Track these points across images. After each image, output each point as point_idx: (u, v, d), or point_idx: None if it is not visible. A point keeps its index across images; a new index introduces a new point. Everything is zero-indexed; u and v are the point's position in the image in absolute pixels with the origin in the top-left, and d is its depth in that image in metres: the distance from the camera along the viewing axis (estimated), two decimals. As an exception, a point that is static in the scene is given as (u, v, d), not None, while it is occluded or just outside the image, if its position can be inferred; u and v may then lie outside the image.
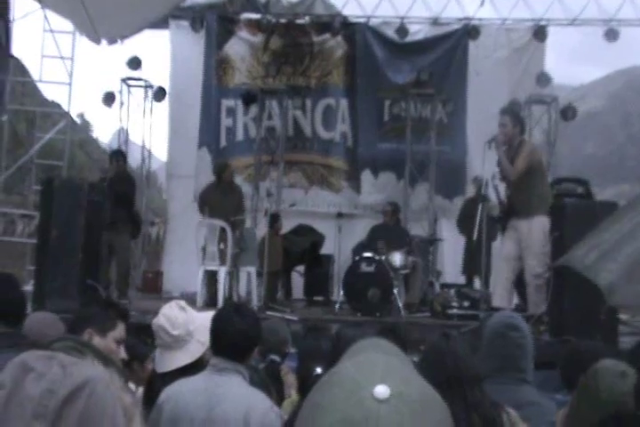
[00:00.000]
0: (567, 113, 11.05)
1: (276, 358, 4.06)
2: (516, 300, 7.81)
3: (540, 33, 11.21)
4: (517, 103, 10.85)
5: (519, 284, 7.22)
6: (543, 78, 11.04)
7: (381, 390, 0.85)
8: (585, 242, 3.82)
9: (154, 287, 10.72)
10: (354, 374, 0.89)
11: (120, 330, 2.59)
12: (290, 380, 3.85)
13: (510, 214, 6.94)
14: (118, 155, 9.37)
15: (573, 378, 3.11)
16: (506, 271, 6.93)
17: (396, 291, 8.17)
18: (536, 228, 6.65)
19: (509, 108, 7.23)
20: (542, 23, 11.26)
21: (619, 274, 3.67)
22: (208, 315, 2.85)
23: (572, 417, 2.46)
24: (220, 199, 8.67)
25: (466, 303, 8.45)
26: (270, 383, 3.34)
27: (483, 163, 6.95)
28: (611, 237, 3.65)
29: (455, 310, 8.28)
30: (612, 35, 11.03)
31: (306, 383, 3.24)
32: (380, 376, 0.88)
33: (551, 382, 5.07)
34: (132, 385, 3.23)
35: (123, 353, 2.62)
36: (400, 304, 8.17)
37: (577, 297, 6.04)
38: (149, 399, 2.84)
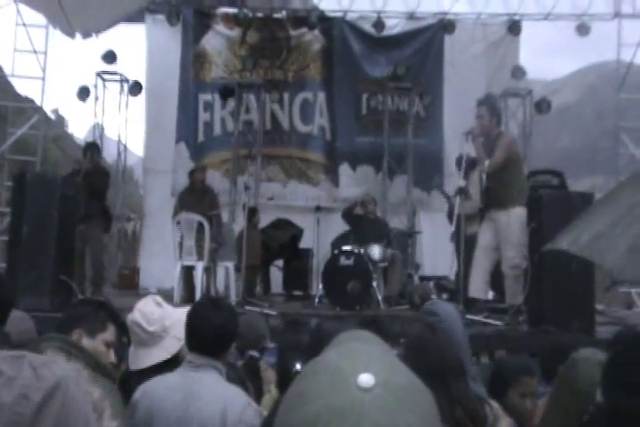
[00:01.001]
0: (542, 106, 11.13)
1: (254, 353, 4.02)
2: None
3: (514, 27, 11.34)
4: (493, 96, 10.88)
5: (494, 275, 7.24)
6: (518, 72, 11.11)
7: (366, 379, 0.85)
8: (571, 228, 3.84)
9: (130, 284, 10.62)
10: (338, 363, 0.89)
11: (110, 332, 2.54)
12: (269, 376, 3.82)
13: (489, 205, 6.96)
14: (92, 148, 9.25)
15: (553, 370, 3.12)
16: (483, 262, 6.95)
17: (375, 284, 8.17)
18: (514, 219, 6.67)
19: (486, 99, 7.21)
20: (516, 18, 11.39)
21: (621, 251, 3.70)
22: (184, 310, 2.80)
23: (551, 407, 2.46)
24: (194, 202, 8.62)
25: (445, 295, 8.48)
26: (248, 380, 3.30)
27: (461, 155, 6.98)
28: (602, 218, 3.67)
29: (434, 303, 8.27)
30: (583, 29, 11.20)
31: (285, 378, 3.22)
32: (364, 365, 0.87)
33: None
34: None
35: (112, 357, 2.57)
36: (379, 297, 8.17)
37: (555, 287, 6.08)
38: (123, 398, 2.79)
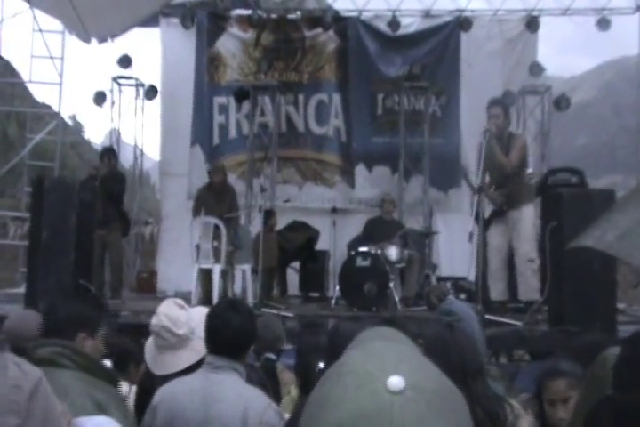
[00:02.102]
0: (560, 103, 11.03)
1: (271, 355, 4.01)
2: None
3: (532, 24, 11.18)
4: (511, 94, 10.83)
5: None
6: (536, 68, 11.02)
7: (395, 382, 0.80)
8: (597, 224, 3.78)
9: (148, 287, 10.65)
10: (364, 365, 0.84)
11: (104, 328, 2.52)
12: (285, 377, 3.80)
13: (500, 206, 6.94)
14: (109, 152, 9.31)
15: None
16: (497, 263, 6.92)
17: (392, 285, 8.13)
18: (525, 215, 6.72)
19: (500, 99, 7.20)
20: (534, 14, 11.23)
21: None
22: (204, 310, 2.79)
23: (581, 405, 2.41)
24: (213, 201, 8.61)
25: (462, 296, 8.42)
26: (268, 381, 3.28)
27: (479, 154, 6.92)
28: (628, 215, 3.61)
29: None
30: (604, 24, 11.02)
31: (308, 380, 3.19)
32: (392, 366, 0.82)
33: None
34: (126, 386, 3.17)
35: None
36: (396, 298, 8.13)
37: (576, 286, 6.01)
38: (143, 402, 2.78)
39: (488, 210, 6.98)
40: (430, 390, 0.81)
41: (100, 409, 2.06)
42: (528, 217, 6.72)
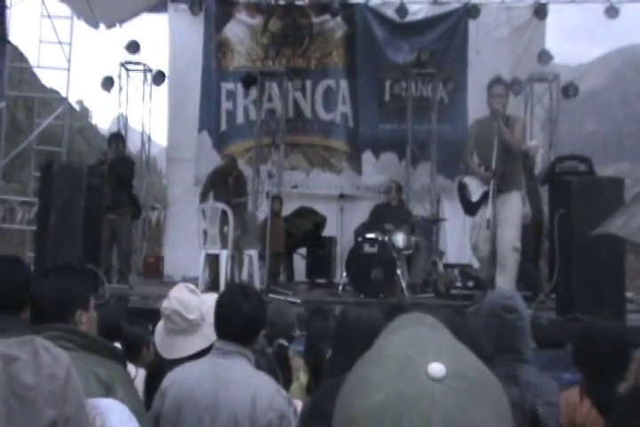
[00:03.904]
0: (569, 91, 10.99)
1: (283, 342, 4.02)
2: None
3: (540, 11, 11.11)
4: (519, 81, 10.79)
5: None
6: (544, 56, 10.96)
7: (437, 369, 0.80)
8: (621, 212, 3.78)
9: (155, 272, 10.70)
10: (405, 350, 0.83)
11: (94, 296, 2.49)
12: (296, 363, 3.82)
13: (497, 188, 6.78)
14: (117, 138, 9.32)
15: (585, 358, 3.08)
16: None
17: (399, 271, 8.15)
18: (514, 200, 6.56)
19: (501, 78, 7.03)
20: (542, 1, 11.16)
21: None
22: (215, 296, 2.79)
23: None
24: (223, 184, 8.63)
25: (470, 283, 8.43)
26: (278, 367, 3.30)
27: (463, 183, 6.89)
28: None
29: (459, 290, 8.26)
30: (612, 12, 10.94)
31: (317, 366, 3.21)
32: (433, 353, 0.82)
33: (559, 362, 5.06)
34: (133, 369, 3.18)
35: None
36: (403, 285, 8.15)
37: (584, 275, 6.01)
38: (152, 385, 2.79)
39: (476, 196, 6.82)
40: (471, 379, 0.81)
41: (105, 388, 2.06)
42: (515, 203, 6.58)
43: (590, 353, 3.01)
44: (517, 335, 2.74)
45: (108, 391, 2.05)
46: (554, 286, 6.56)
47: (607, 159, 41.63)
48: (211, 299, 2.83)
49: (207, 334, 2.83)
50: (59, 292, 2.30)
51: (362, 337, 2.33)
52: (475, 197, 6.66)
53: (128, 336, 3.59)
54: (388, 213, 9.02)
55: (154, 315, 3.32)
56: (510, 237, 6.51)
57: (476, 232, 6.63)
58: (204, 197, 8.60)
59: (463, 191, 6.85)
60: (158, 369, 2.92)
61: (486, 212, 6.43)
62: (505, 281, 6.42)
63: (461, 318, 2.35)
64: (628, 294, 7.01)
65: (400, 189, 9.51)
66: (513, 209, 6.54)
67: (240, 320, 2.57)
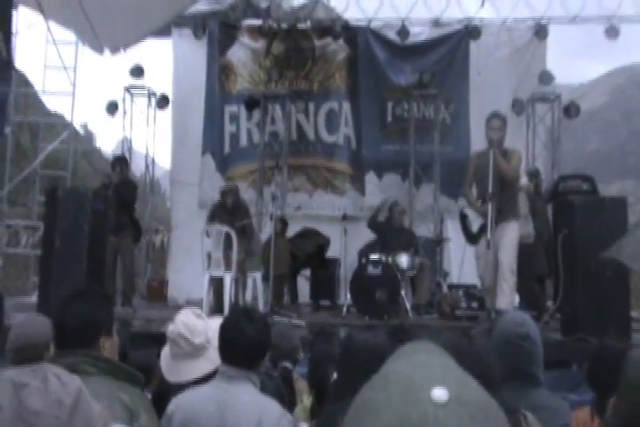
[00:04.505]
0: (570, 110, 11.02)
1: (287, 364, 4.02)
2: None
3: (540, 31, 11.20)
4: (520, 102, 10.86)
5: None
6: (545, 77, 11.01)
7: (440, 394, 0.82)
8: (625, 239, 3.80)
9: (159, 295, 10.68)
10: (409, 374, 0.85)
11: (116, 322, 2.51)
12: (300, 386, 3.81)
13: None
14: (121, 161, 9.36)
15: (599, 378, 3.07)
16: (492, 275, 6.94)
17: (403, 293, 8.14)
18: (510, 228, 6.74)
19: (499, 112, 7.21)
20: (543, 22, 11.24)
21: None
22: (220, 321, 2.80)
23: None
24: (225, 216, 8.66)
25: (474, 304, 8.42)
26: (285, 390, 3.29)
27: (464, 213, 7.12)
28: None
29: (463, 311, 8.25)
30: (612, 32, 11.01)
31: (322, 389, 3.20)
32: (437, 378, 0.84)
33: (564, 382, 5.04)
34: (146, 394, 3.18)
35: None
36: (408, 306, 8.14)
37: (589, 294, 6.00)
38: (158, 409, 2.79)
39: (475, 225, 6.98)
40: (474, 404, 0.82)
41: (129, 412, 2.08)
42: (512, 231, 6.76)
43: (604, 373, 3.01)
44: (531, 361, 2.74)
45: (132, 416, 2.06)
46: (559, 306, 6.55)
47: (611, 177, 41.66)
48: (216, 323, 2.84)
49: (212, 358, 2.83)
50: (84, 318, 2.32)
51: (367, 361, 2.33)
52: (475, 228, 6.81)
53: (136, 361, 3.58)
54: (392, 234, 9.02)
55: (158, 339, 3.32)
56: (508, 260, 6.66)
57: (481, 262, 6.78)
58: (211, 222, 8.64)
59: (464, 221, 7.04)
60: (164, 393, 2.92)
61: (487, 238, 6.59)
62: (504, 302, 6.54)
63: (468, 341, 2.35)
64: (634, 314, 6.99)
65: (403, 210, 9.53)
66: (510, 236, 6.75)
67: (245, 345, 2.57)
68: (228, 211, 8.67)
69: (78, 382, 1.25)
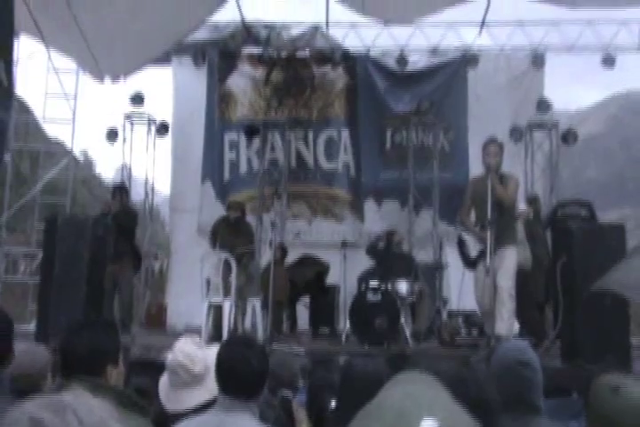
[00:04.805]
0: (568, 138, 11.07)
1: (287, 393, 3.99)
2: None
3: (538, 60, 11.30)
4: (518, 129, 10.92)
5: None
6: (543, 104, 11.08)
7: (429, 423, 0.83)
8: (616, 268, 3.78)
9: (158, 322, 10.64)
10: (401, 404, 0.87)
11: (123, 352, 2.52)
12: (300, 416, 3.78)
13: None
14: (121, 189, 9.40)
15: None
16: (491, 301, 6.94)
17: (402, 320, 8.10)
18: (508, 254, 6.76)
19: (496, 138, 7.26)
20: (540, 50, 11.36)
21: None
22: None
23: None
24: (228, 234, 8.66)
25: (474, 331, 8.39)
26: (284, 420, 3.27)
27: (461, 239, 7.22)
28: None
29: (463, 338, 8.22)
30: (609, 61, 11.13)
31: (321, 417, 3.17)
32: (426, 408, 0.86)
33: (565, 410, 5.00)
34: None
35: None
36: (407, 333, 8.10)
37: (589, 322, 5.98)
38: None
39: (473, 251, 7.02)
40: None
41: None
42: (510, 257, 6.80)
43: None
44: (531, 389, 2.72)
45: None
46: (558, 333, 6.53)
47: (609, 204, 41.72)
48: (215, 352, 2.83)
49: (211, 387, 2.81)
50: (92, 346, 2.35)
51: (367, 389, 2.32)
52: (473, 253, 6.84)
53: (135, 390, 3.56)
54: (392, 260, 9.01)
55: (156, 366, 3.31)
56: (506, 285, 6.67)
57: (480, 288, 6.77)
58: (213, 245, 8.64)
59: (462, 247, 7.07)
60: (162, 422, 2.90)
61: (485, 264, 6.59)
62: (503, 328, 6.53)
63: (469, 370, 2.34)
64: (634, 341, 6.96)
65: (402, 236, 9.53)
66: (508, 262, 6.78)
67: (243, 376, 2.56)
68: (230, 227, 8.65)
69: (96, 418, 1.22)
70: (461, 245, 7.17)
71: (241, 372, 2.56)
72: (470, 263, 7.05)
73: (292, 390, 4.04)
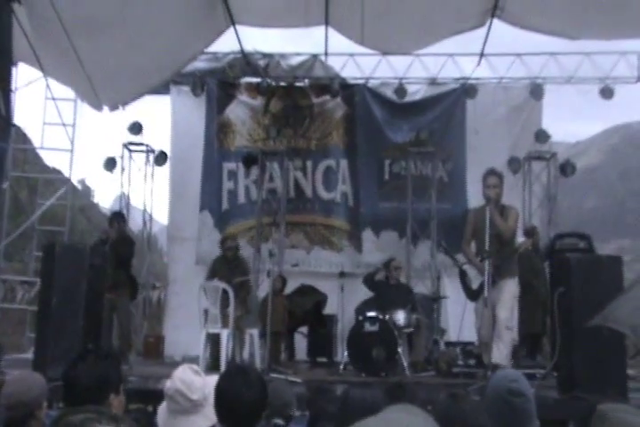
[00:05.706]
0: (566, 169, 11.11)
1: (279, 421, 3.95)
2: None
3: (536, 91, 11.35)
4: (517, 160, 10.97)
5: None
6: (542, 135, 11.14)
7: None
8: (617, 302, 3.79)
9: (155, 352, 10.57)
10: None
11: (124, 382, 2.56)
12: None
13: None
14: (118, 217, 9.43)
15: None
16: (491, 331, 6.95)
17: (400, 350, 8.08)
18: (507, 285, 6.80)
19: (496, 169, 7.32)
20: (538, 81, 11.42)
21: None
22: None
23: None
24: (226, 271, 8.69)
25: (471, 361, 8.36)
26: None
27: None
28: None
29: (461, 369, 8.18)
30: (607, 92, 11.18)
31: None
32: None
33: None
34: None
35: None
36: (405, 363, 8.06)
37: (586, 353, 5.97)
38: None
39: (475, 282, 7.05)
40: None
41: None
42: (509, 289, 6.87)
43: None
44: (523, 418, 2.71)
45: None
46: (555, 364, 6.51)
47: (608, 235, 41.71)
48: (213, 380, 2.83)
49: (209, 415, 2.82)
50: (96, 377, 2.42)
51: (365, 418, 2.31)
52: (475, 284, 6.87)
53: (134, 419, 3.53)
54: (389, 290, 9.00)
55: (153, 396, 3.30)
56: (504, 316, 6.74)
57: (480, 319, 6.79)
58: (211, 279, 8.67)
59: (464, 278, 7.09)
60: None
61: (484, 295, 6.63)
62: (499, 358, 6.52)
63: (455, 401, 2.34)
64: (630, 372, 6.94)
65: (400, 267, 9.53)
66: (507, 294, 6.87)
67: (241, 406, 2.56)
68: (228, 265, 8.71)
69: None
70: (463, 276, 7.20)
71: (237, 403, 2.56)
72: (472, 294, 7.06)
73: (285, 418, 4.01)
